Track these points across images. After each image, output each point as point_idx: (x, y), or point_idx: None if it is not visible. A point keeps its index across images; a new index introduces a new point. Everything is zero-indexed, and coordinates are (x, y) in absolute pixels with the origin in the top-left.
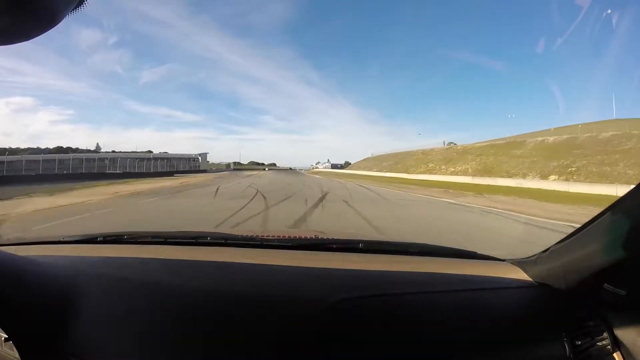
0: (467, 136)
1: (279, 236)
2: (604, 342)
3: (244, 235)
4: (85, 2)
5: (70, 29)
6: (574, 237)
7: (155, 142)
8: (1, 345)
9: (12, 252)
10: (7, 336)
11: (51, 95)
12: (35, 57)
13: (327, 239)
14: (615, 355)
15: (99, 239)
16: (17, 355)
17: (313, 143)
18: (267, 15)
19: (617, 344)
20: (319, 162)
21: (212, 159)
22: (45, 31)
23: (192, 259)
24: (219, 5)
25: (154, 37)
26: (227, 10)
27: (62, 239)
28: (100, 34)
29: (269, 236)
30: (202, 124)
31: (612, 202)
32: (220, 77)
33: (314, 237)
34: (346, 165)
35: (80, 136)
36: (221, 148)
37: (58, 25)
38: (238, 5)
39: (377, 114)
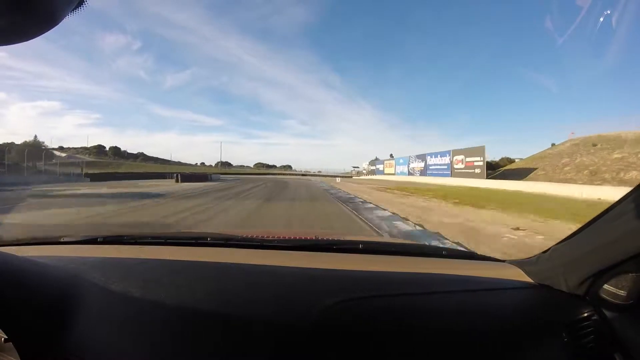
0: (484, 140)
1: (279, 237)
2: (604, 343)
3: (244, 235)
4: (86, 2)
5: (94, 34)
6: (574, 237)
7: (178, 145)
8: (1, 346)
9: (12, 252)
10: (7, 337)
11: (77, 100)
12: (61, 62)
13: (327, 240)
14: (615, 355)
15: (99, 240)
16: (17, 355)
17: (335, 147)
18: (288, 19)
19: (617, 345)
20: (376, 160)
21: (235, 162)
22: (45, 31)
23: (192, 259)
24: (240, 10)
25: (176, 42)
26: (247, 14)
27: (62, 240)
28: (124, 39)
29: (268, 237)
30: (225, 128)
31: (612, 203)
32: (242, 81)
33: (313, 237)
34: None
35: (106, 139)
36: (244, 152)
37: (58, 25)
38: (258, 9)
39: (399, 118)
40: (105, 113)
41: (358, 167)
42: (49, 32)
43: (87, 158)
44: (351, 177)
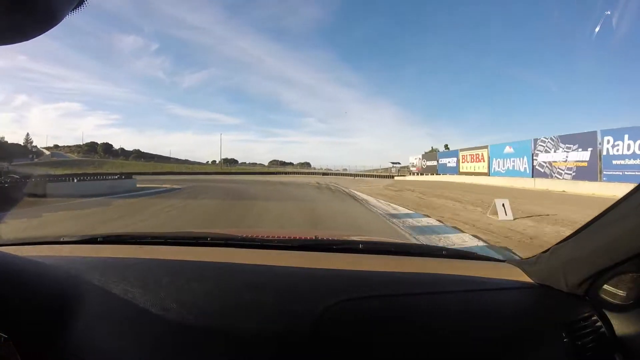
0: (504, 137)
1: (279, 237)
2: (604, 343)
3: (244, 235)
4: (86, 2)
5: (113, 37)
6: (574, 237)
7: (197, 144)
8: (1, 346)
9: (12, 252)
10: (6, 336)
11: (97, 101)
12: (81, 64)
13: (327, 240)
14: (615, 355)
15: (99, 239)
16: (16, 355)
17: (356, 145)
18: (305, 17)
19: (617, 345)
20: (433, 152)
21: (252, 159)
22: (45, 31)
23: (192, 259)
24: (257, 10)
25: (193, 42)
26: (264, 14)
27: (61, 239)
28: (142, 41)
29: (269, 237)
30: (243, 127)
31: (613, 203)
32: (259, 80)
33: (314, 237)
34: None
35: (125, 139)
36: (262, 150)
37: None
38: (275, 8)
39: (418, 116)
40: (125, 114)
41: (399, 163)
42: (69, 37)
43: (74, 156)
44: (392, 177)
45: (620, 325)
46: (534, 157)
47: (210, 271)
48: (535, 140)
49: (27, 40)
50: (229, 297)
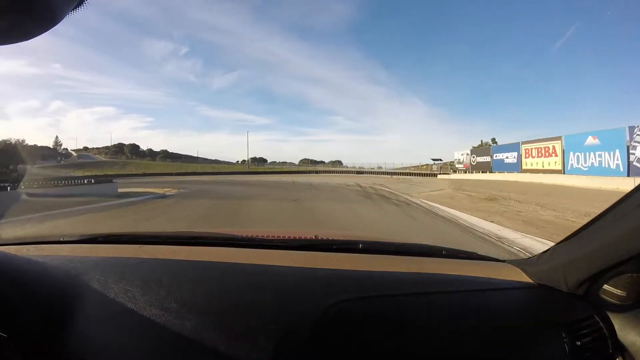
0: (536, 133)
1: (279, 236)
2: (604, 344)
3: (244, 235)
4: (86, 1)
5: (143, 42)
6: (574, 237)
7: (229, 144)
8: (1, 345)
9: (12, 252)
10: (6, 336)
11: (131, 105)
12: (114, 70)
13: (327, 240)
14: (615, 356)
15: (98, 239)
16: (17, 355)
17: (387, 143)
18: (331, 15)
19: (617, 345)
20: (482, 146)
21: (282, 158)
22: (45, 31)
23: (192, 259)
24: (284, 10)
25: (222, 45)
26: (290, 13)
27: (61, 239)
28: (172, 46)
29: (269, 236)
30: (272, 127)
31: (613, 203)
32: (288, 80)
33: (313, 237)
34: None
35: (160, 141)
36: (292, 149)
37: (58, 25)
38: (301, 7)
39: (449, 113)
40: (158, 116)
41: (440, 160)
42: (102, 44)
43: (101, 158)
44: (434, 175)
45: (620, 325)
46: (631, 151)
47: (211, 271)
48: (632, 128)
49: (28, 39)
50: (229, 297)
